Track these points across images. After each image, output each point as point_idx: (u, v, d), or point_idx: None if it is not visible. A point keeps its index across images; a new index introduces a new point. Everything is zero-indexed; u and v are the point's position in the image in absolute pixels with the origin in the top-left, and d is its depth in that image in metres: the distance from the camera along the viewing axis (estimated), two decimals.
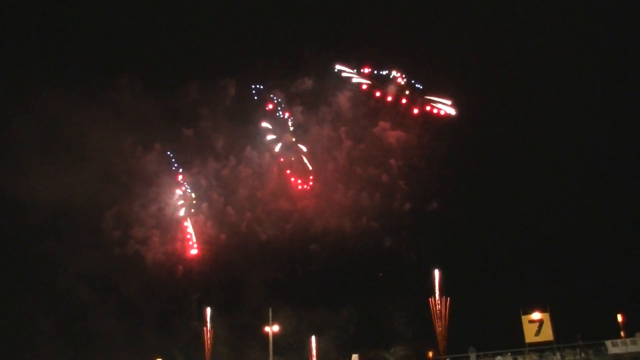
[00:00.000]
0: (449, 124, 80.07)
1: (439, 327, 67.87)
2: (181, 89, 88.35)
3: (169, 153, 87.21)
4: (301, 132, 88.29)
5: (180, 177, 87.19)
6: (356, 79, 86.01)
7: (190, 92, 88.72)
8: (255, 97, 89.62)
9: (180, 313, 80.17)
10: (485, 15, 76.46)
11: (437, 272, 68.85)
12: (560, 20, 75.17)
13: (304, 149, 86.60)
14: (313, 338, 72.69)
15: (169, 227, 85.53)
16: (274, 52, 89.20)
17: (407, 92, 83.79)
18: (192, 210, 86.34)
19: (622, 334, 59.12)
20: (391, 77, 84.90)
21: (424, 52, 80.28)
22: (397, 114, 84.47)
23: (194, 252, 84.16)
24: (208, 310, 78.30)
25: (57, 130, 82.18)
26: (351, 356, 67.44)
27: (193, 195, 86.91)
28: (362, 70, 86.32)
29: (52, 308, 79.00)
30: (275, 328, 65.83)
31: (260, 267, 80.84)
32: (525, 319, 61.59)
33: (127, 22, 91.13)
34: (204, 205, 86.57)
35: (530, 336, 61.11)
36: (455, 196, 74.08)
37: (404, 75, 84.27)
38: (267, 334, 66.13)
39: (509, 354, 62.44)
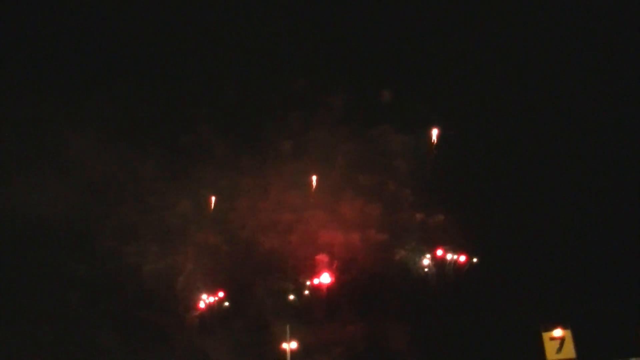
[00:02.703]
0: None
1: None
2: (179, 92, 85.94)
3: (167, 159, 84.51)
4: (301, 136, 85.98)
5: (180, 185, 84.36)
6: None
7: (188, 94, 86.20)
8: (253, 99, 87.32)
9: (182, 327, 77.68)
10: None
11: None
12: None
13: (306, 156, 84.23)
14: None
15: (168, 237, 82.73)
16: (271, 51, 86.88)
17: None
18: (193, 219, 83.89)
19: None
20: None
21: None
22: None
23: None
24: None
25: (45, 137, 79.55)
26: None
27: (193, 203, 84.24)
28: None
29: (47, 319, 76.38)
30: (293, 345, 63.57)
31: (265, 277, 78.45)
32: (546, 336, 60.24)
33: (119, 23, 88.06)
34: (204, 214, 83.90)
35: (551, 354, 59.67)
36: (468, 207, 72.52)
37: None
38: (279, 351, 64.04)
39: None
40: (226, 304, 79.16)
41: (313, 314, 73.87)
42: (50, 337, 76.29)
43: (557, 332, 60.04)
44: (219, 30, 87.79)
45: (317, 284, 76.62)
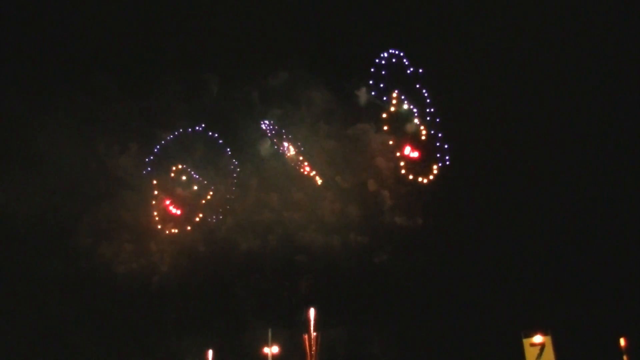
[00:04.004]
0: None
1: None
2: (157, 86, 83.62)
3: (144, 156, 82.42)
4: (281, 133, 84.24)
5: (155, 182, 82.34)
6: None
7: (166, 89, 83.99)
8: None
9: (158, 330, 76.06)
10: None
11: None
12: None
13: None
14: None
15: (144, 235, 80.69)
16: (252, 44, 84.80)
17: None
18: (168, 217, 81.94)
19: (624, 358, 58.36)
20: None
21: None
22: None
23: None
24: None
25: (17, 132, 77.31)
26: None
27: (169, 201, 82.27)
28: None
29: (19, 319, 74.34)
30: (275, 349, 62.60)
31: (244, 278, 77.08)
32: (526, 342, 60.24)
33: (94, 13, 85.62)
34: (181, 213, 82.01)
35: None
36: (449, 210, 71.84)
37: None
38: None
39: None
40: (204, 305, 77.37)
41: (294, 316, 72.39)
42: (22, 337, 74.08)
43: (537, 339, 60.04)
44: (198, 24, 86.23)
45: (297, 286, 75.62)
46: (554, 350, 59.30)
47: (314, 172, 79.45)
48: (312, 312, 65.88)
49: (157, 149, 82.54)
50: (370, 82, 79.05)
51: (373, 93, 79.17)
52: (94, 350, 74.63)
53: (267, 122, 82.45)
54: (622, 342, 59.15)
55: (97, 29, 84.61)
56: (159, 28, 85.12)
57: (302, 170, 79.50)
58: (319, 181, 78.87)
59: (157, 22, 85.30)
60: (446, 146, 75.36)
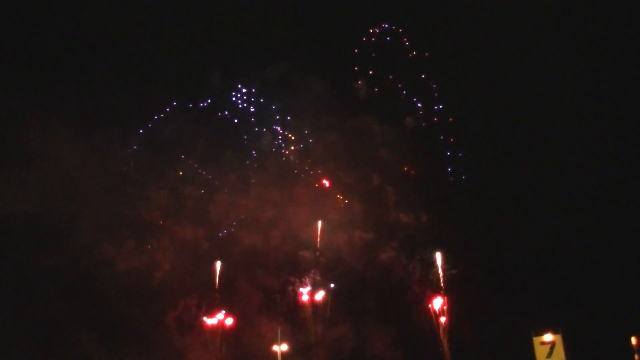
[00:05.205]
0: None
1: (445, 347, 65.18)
2: (154, 81, 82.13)
3: (145, 152, 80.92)
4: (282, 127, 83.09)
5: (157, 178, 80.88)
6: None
7: (164, 83, 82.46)
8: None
9: (160, 327, 74.94)
10: None
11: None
12: None
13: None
14: None
15: (146, 232, 79.40)
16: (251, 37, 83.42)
17: None
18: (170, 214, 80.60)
19: (636, 357, 58.13)
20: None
21: None
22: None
23: None
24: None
25: (17, 130, 75.53)
26: None
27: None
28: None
29: (20, 315, 72.84)
30: (284, 347, 61.99)
31: (247, 273, 75.94)
32: (536, 340, 60.13)
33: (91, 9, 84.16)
34: (183, 209, 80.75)
35: (541, 359, 59.67)
36: (458, 207, 70.95)
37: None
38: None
39: None
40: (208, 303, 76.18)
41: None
42: (23, 334, 72.91)
43: (548, 337, 59.74)
44: (196, 18, 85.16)
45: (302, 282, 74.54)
46: (564, 348, 59.00)
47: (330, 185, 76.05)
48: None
49: (142, 133, 80.00)
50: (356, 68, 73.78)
51: (359, 82, 74.21)
52: (94, 346, 73.48)
53: (243, 89, 76.75)
54: (634, 341, 58.94)
55: (95, 27, 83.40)
56: (158, 25, 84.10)
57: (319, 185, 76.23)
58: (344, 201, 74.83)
59: (155, 19, 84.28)
60: (460, 154, 68.05)
